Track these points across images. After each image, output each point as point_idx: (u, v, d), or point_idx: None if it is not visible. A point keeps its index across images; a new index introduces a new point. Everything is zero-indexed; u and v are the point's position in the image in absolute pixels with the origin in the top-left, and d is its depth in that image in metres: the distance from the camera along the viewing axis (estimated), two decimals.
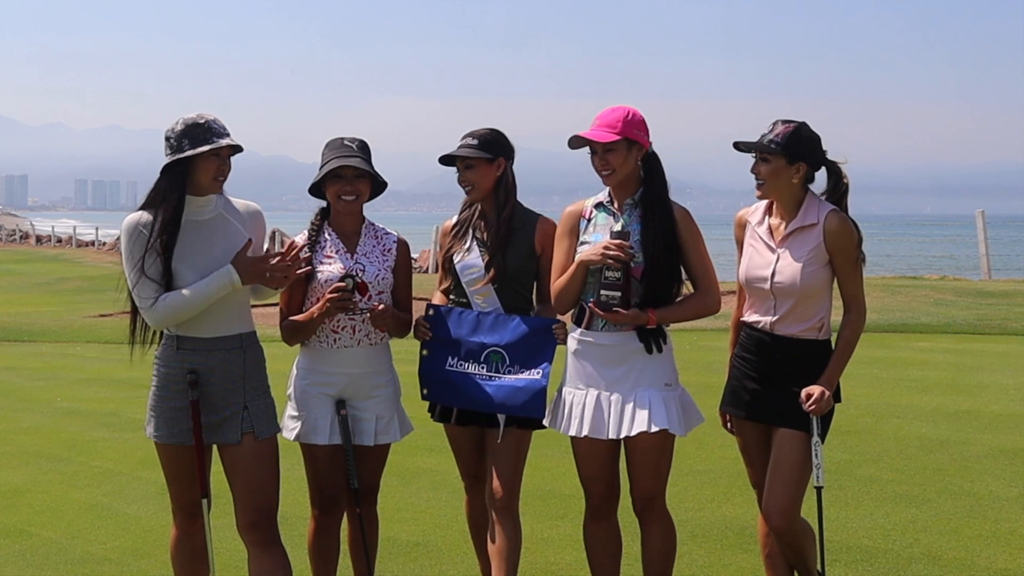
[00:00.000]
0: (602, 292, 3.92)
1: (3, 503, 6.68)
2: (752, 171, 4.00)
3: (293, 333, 4.23)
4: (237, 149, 3.86)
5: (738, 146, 4.01)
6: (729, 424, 4.29)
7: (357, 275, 4.10)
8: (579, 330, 4.10)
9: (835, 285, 4.04)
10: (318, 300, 4.15)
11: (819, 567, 4.13)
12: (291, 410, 4.27)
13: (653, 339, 4.00)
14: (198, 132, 3.75)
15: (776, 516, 3.96)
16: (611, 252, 3.88)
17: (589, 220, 4.12)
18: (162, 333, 3.94)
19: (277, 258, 3.86)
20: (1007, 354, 11.09)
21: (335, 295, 4.03)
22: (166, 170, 3.81)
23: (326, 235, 4.27)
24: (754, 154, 3.98)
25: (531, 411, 4.11)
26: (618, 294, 3.89)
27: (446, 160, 4.30)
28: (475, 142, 4.22)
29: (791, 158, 3.91)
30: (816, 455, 3.92)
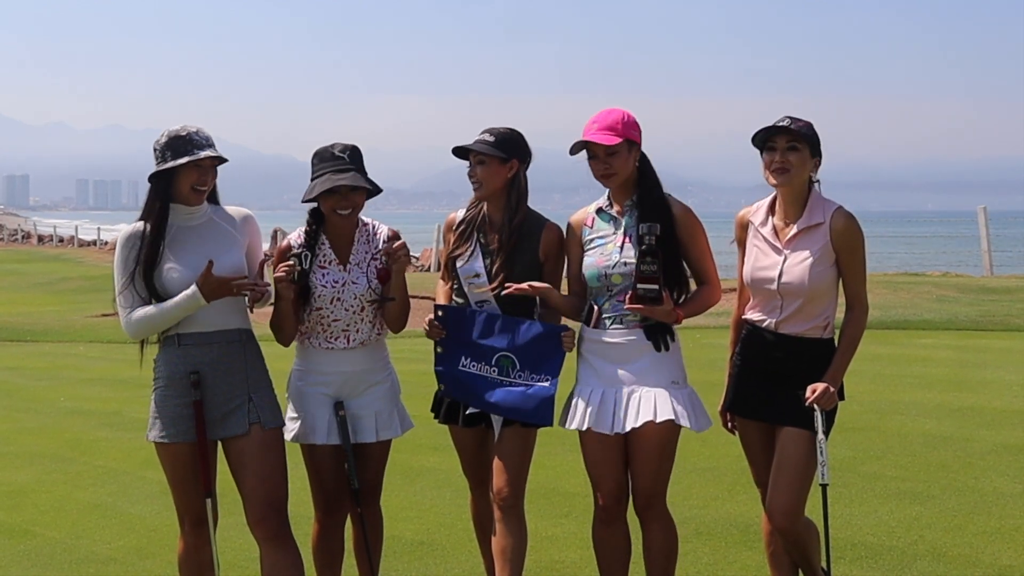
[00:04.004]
0: (639, 286, 3.91)
1: (7, 503, 6.69)
2: (778, 161, 3.88)
3: (275, 326, 4.20)
4: (220, 160, 3.95)
5: (770, 131, 3.87)
6: (730, 424, 4.29)
7: (304, 256, 4.11)
8: (587, 329, 4.11)
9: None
10: (318, 310, 4.15)
11: (824, 564, 4.13)
12: (289, 411, 4.27)
13: (661, 337, 4.01)
14: (180, 144, 3.87)
15: (780, 515, 3.95)
16: (646, 245, 3.86)
17: (591, 228, 4.13)
18: (161, 333, 3.99)
19: (243, 279, 3.89)
20: (1010, 350, 11.08)
21: (282, 273, 4.04)
22: (151, 181, 3.94)
23: (320, 247, 4.21)
24: (777, 144, 3.88)
25: (539, 419, 4.11)
26: (656, 287, 3.88)
27: (460, 153, 4.24)
28: (491, 139, 4.16)
29: (813, 150, 3.93)
30: (821, 452, 3.91)
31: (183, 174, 3.89)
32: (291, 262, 4.07)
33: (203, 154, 3.86)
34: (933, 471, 6.50)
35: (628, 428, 3.98)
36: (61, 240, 56.47)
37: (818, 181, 4.02)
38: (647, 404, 3.96)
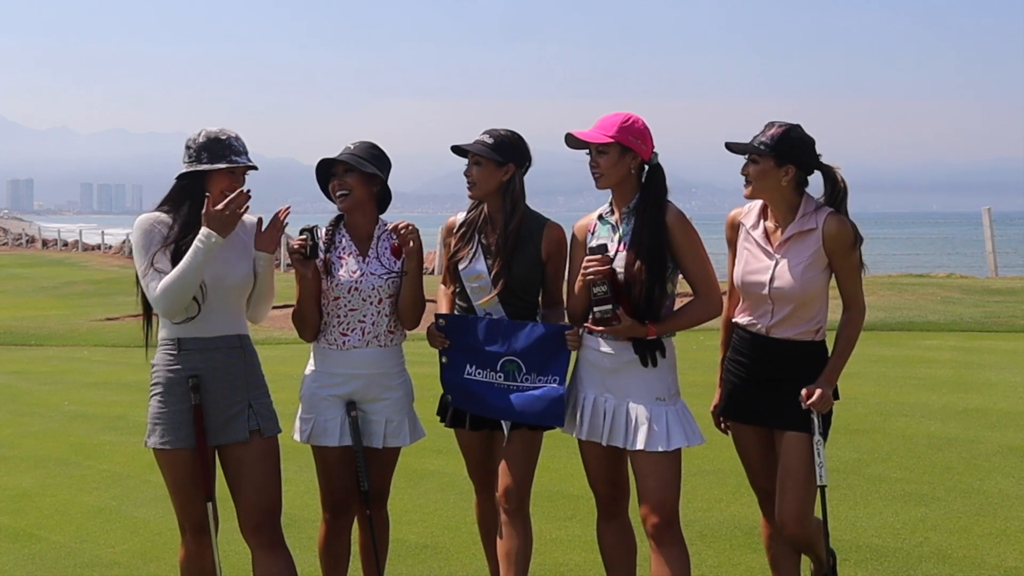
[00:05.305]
0: (594, 309, 3.91)
1: (12, 507, 6.70)
2: (742, 172, 3.99)
3: (298, 313, 4.24)
4: (252, 169, 3.96)
5: (730, 147, 3.99)
6: (723, 425, 4.28)
7: (316, 231, 4.16)
8: (585, 335, 4.12)
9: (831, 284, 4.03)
10: (335, 299, 4.20)
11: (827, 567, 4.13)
12: (302, 412, 4.28)
13: (649, 352, 3.95)
14: (218, 147, 3.86)
15: (792, 523, 3.95)
16: (589, 270, 3.88)
17: (593, 234, 4.13)
18: (160, 337, 3.97)
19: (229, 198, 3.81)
20: (1014, 351, 11.06)
21: (295, 245, 4.10)
22: (181, 178, 3.91)
23: (341, 237, 4.29)
24: (745, 155, 3.97)
25: (550, 420, 4.10)
26: (609, 307, 3.88)
27: (459, 151, 4.24)
28: (490, 141, 4.17)
29: (780, 160, 3.89)
30: (818, 454, 3.92)
31: (216, 179, 3.87)
32: (303, 236, 4.11)
33: (241, 161, 3.87)
34: (938, 473, 6.49)
35: (612, 444, 3.98)
36: (65, 244, 56.59)
37: (835, 189, 4.00)
38: (630, 426, 3.93)
